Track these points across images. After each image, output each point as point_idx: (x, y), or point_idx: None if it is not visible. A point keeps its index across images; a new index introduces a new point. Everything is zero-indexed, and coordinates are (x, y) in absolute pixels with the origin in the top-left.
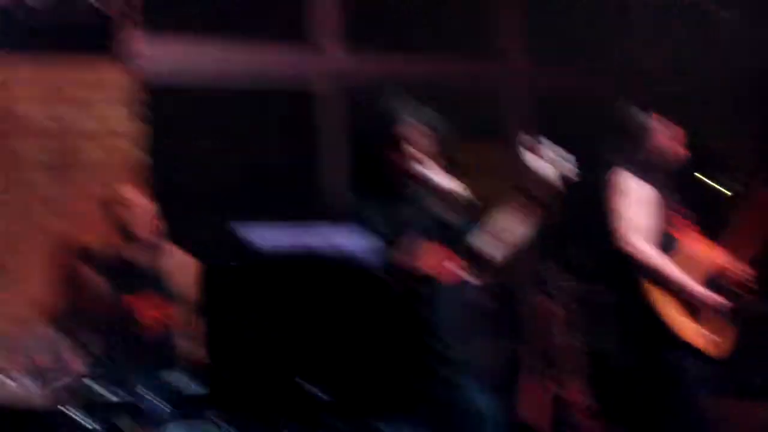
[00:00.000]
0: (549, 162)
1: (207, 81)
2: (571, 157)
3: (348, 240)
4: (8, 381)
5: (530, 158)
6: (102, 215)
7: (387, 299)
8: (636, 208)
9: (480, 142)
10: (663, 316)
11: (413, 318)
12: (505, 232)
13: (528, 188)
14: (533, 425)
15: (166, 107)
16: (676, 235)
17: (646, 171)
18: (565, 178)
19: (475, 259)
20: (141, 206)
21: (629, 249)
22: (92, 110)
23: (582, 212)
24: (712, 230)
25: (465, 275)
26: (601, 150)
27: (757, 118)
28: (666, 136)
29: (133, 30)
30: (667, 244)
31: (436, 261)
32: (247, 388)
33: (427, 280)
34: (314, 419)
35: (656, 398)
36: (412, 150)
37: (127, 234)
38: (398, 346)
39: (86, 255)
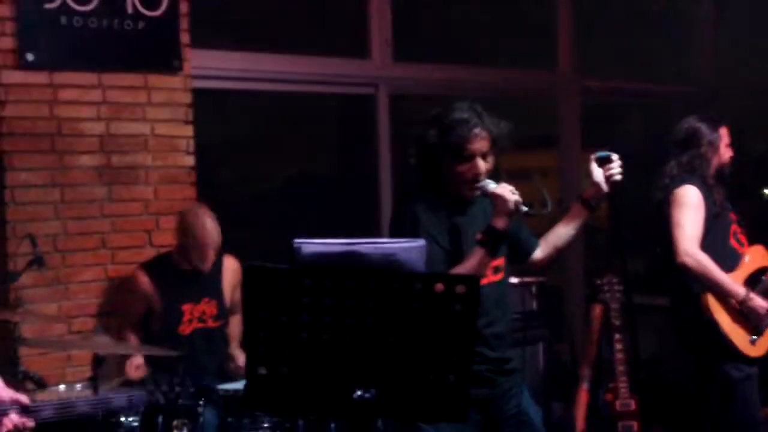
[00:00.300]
0: (612, 172)
1: (257, 88)
2: (621, 166)
3: (399, 248)
4: (62, 386)
5: (595, 169)
6: (174, 229)
7: (436, 304)
8: (696, 219)
9: (532, 150)
10: (719, 327)
11: (463, 323)
12: (556, 236)
13: (587, 196)
14: None
15: (216, 114)
16: (740, 249)
17: (710, 183)
18: (623, 188)
19: (524, 260)
20: (213, 227)
21: (687, 260)
22: (144, 117)
23: (641, 222)
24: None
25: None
26: (663, 161)
27: None
28: (728, 149)
29: (184, 39)
30: (732, 258)
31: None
32: (294, 392)
33: (478, 286)
34: (362, 423)
35: (710, 409)
36: (477, 158)
37: (193, 245)
38: (447, 350)
39: (142, 264)
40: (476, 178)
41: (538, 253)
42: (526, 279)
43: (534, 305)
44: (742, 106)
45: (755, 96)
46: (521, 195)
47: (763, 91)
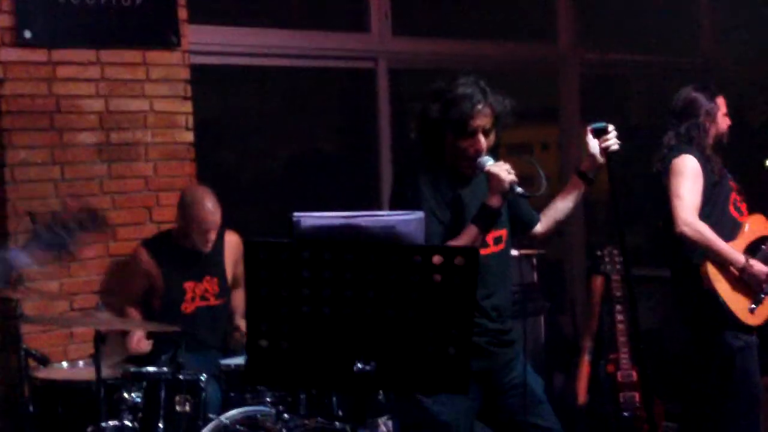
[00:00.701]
0: (608, 143)
1: (256, 63)
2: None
3: (398, 220)
4: (64, 363)
5: (591, 140)
6: (176, 209)
7: (436, 276)
8: (695, 189)
9: (532, 124)
10: (718, 296)
11: (462, 295)
12: (555, 210)
13: (584, 168)
14: (585, 405)
15: (215, 90)
16: (739, 218)
17: (707, 153)
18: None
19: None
20: (213, 230)
21: (686, 229)
22: (143, 94)
23: (642, 194)
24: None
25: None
26: (662, 132)
27: None
28: (725, 119)
29: (182, 14)
30: (732, 227)
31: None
32: (294, 366)
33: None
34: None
35: (710, 378)
36: (479, 134)
37: (194, 227)
38: (446, 322)
39: (143, 241)
40: (477, 154)
41: (538, 227)
42: (527, 251)
43: (534, 278)
44: (743, 78)
45: (756, 67)
46: (518, 172)
47: (763, 62)
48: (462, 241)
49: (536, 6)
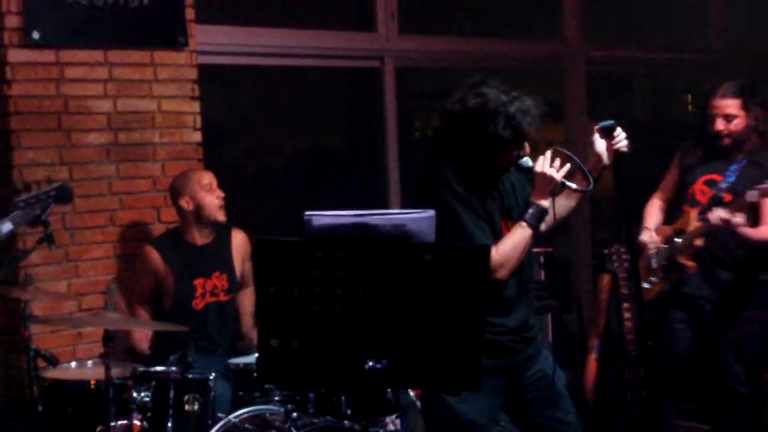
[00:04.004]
0: (618, 144)
1: (263, 63)
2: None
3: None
4: (73, 363)
5: (598, 139)
6: (174, 199)
7: (448, 274)
8: (668, 177)
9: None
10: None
11: (473, 294)
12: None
13: (590, 167)
14: (592, 401)
15: (223, 89)
16: (687, 209)
17: (711, 152)
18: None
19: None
20: (218, 194)
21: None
22: (151, 94)
23: (649, 191)
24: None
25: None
26: (668, 130)
27: None
28: (726, 117)
29: (189, 14)
30: (677, 216)
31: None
32: (306, 365)
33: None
34: (375, 393)
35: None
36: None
37: (200, 220)
38: (458, 320)
39: (152, 238)
40: (521, 156)
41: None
42: (534, 249)
43: (542, 276)
44: (750, 75)
45: (764, 64)
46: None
47: None
48: (515, 239)
49: (543, 3)
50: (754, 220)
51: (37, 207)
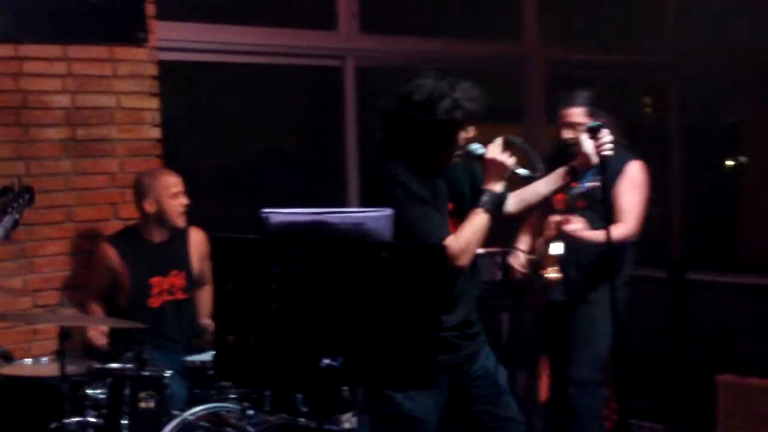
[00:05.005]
0: (603, 146)
1: (223, 60)
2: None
3: (367, 217)
4: (28, 360)
5: (585, 138)
6: (138, 197)
7: (404, 273)
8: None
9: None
10: None
11: (429, 291)
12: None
13: (576, 164)
14: (546, 402)
15: (183, 86)
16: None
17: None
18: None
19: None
20: (183, 201)
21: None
22: (110, 90)
23: None
24: None
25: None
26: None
27: None
28: (572, 126)
29: (149, 10)
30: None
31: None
32: (262, 362)
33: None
34: (330, 392)
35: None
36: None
37: (160, 222)
38: (414, 318)
39: (108, 235)
40: (467, 142)
41: (509, 206)
42: (491, 249)
43: (499, 275)
44: (711, 78)
45: (724, 68)
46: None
47: (731, 64)
48: (474, 226)
49: (502, 4)
50: (608, 219)
51: (16, 212)
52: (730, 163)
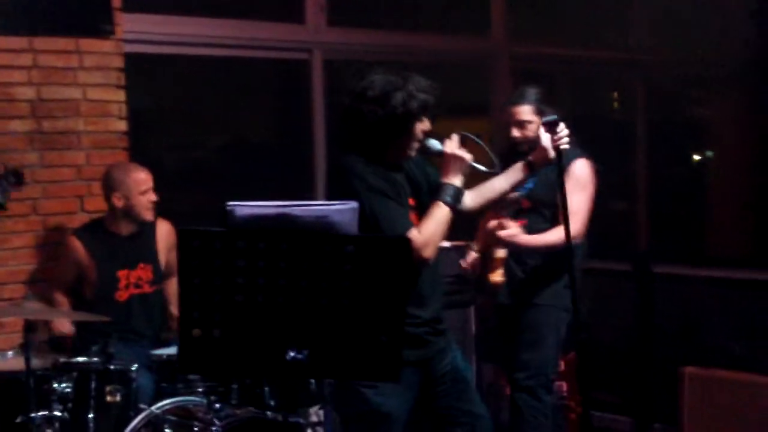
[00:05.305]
0: (560, 141)
1: (190, 52)
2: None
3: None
4: None
5: (543, 132)
6: (106, 191)
7: (368, 266)
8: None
9: (462, 117)
10: None
11: (395, 284)
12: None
13: (534, 158)
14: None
15: (149, 78)
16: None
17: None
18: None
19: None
20: (151, 197)
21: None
22: (76, 82)
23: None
24: None
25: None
26: (589, 125)
27: None
28: (520, 124)
29: (115, 2)
30: None
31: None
32: (228, 355)
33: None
34: (295, 384)
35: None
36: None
37: (128, 216)
38: (379, 311)
39: (75, 228)
40: (425, 136)
41: (468, 202)
42: (458, 243)
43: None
44: (676, 74)
45: (688, 64)
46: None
47: (696, 60)
48: (435, 218)
49: None
50: (553, 222)
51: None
52: (697, 157)
